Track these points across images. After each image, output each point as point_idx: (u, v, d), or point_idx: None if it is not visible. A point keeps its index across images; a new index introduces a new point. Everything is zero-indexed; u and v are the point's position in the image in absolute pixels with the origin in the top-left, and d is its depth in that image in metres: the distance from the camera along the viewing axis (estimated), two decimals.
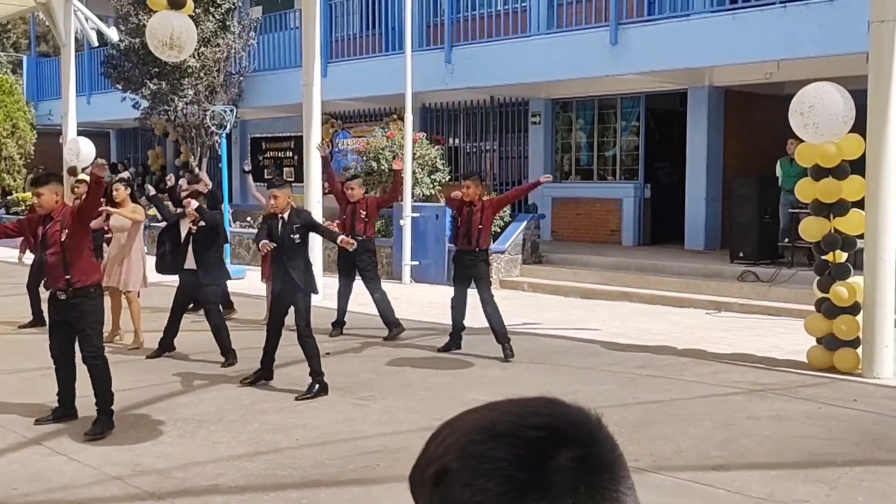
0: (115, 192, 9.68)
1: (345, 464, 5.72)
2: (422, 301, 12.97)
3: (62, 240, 6.40)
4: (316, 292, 7.99)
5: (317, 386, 7.42)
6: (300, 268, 7.63)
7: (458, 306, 9.26)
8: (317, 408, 7.09)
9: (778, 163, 13.62)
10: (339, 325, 10.35)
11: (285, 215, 7.71)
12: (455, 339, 9.30)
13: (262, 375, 7.84)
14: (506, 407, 0.90)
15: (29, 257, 11.38)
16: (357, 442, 6.19)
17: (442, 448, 0.89)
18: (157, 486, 5.36)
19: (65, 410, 6.74)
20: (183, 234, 9.06)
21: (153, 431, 6.46)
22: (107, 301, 9.15)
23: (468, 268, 9.11)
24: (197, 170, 20.47)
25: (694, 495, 5.25)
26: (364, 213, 10.30)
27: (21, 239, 10.69)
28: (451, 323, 9.36)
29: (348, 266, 10.30)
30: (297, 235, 7.64)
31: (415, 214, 14.90)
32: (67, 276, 6.38)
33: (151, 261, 9.66)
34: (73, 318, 6.49)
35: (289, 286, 7.63)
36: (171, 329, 9.05)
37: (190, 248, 8.96)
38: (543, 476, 0.83)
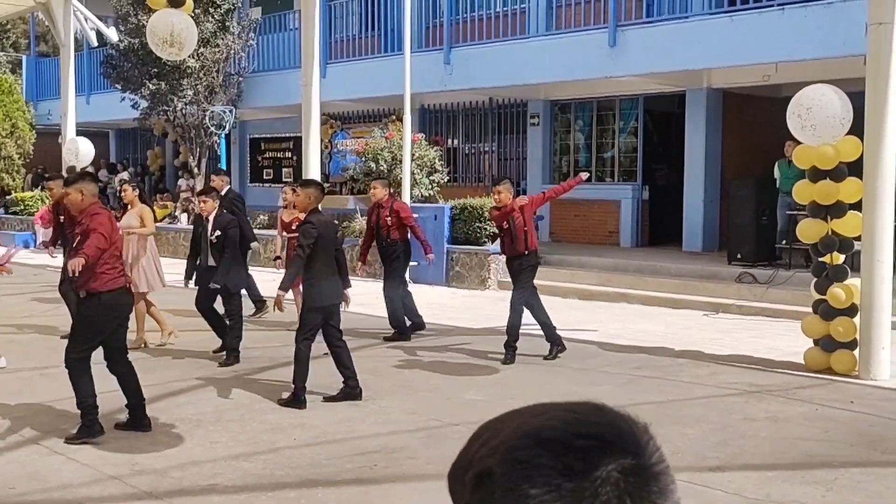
0: (123, 194, 9.72)
1: (342, 464, 5.73)
2: (420, 302, 12.96)
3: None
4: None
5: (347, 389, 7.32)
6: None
7: (538, 313, 9.02)
8: (314, 408, 7.10)
9: (776, 165, 13.65)
10: (414, 328, 10.29)
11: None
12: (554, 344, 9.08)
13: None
14: (553, 412, 0.88)
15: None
16: (355, 442, 6.20)
17: (486, 449, 0.87)
18: (155, 486, 5.37)
19: (134, 421, 6.50)
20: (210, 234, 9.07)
21: (151, 431, 6.46)
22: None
23: (518, 273, 8.97)
24: (196, 170, 20.50)
25: (691, 496, 5.26)
26: (389, 216, 10.21)
27: (50, 229, 10.75)
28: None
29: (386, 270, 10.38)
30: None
31: (413, 215, 14.88)
32: (85, 279, 6.31)
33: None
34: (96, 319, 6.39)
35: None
36: (220, 329, 9.00)
37: (209, 247, 9.00)
38: (590, 486, 0.82)
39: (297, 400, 7.15)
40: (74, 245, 6.42)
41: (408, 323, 10.29)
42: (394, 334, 10.07)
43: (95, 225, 6.27)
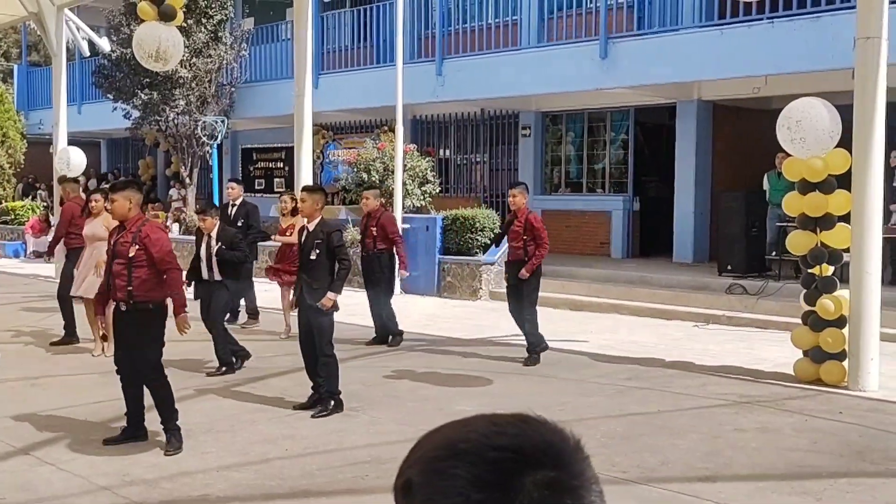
0: (94, 203, 9.63)
1: (334, 474, 5.74)
2: (412, 312, 12.99)
3: (130, 255, 6.32)
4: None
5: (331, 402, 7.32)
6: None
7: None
8: (305, 418, 7.11)
9: (766, 176, 13.73)
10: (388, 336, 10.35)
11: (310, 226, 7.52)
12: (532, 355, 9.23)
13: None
14: (475, 424, 0.90)
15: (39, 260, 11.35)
16: (346, 452, 6.21)
17: (412, 460, 0.91)
18: (146, 497, 5.37)
19: (134, 430, 6.47)
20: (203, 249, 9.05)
21: (142, 441, 6.46)
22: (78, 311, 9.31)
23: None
24: (188, 180, 20.49)
25: None
26: (375, 227, 10.28)
27: (51, 237, 10.78)
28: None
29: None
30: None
31: (405, 226, 14.93)
32: (129, 289, 6.29)
33: None
34: (130, 333, 6.38)
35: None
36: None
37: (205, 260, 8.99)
38: (502, 498, 0.83)
39: (337, 405, 7.23)
40: (121, 254, 6.37)
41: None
42: (392, 339, 10.15)
43: (162, 241, 6.44)
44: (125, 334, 6.42)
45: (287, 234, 10.58)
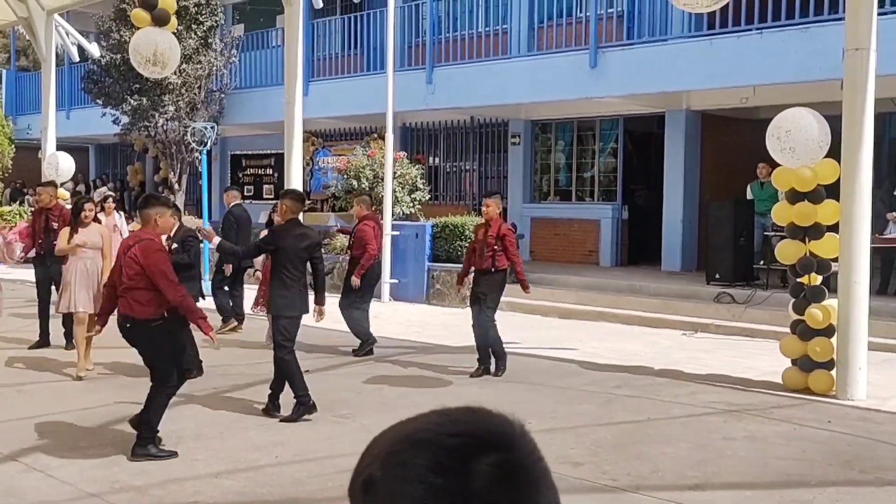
0: (87, 211, 9.30)
1: (324, 481, 5.73)
2: (401, 319, 13.00)
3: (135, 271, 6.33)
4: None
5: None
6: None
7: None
8: (295, 426, 7.09)
9: (749, 186, 13.79)
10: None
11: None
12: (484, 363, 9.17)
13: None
14: (429, 417, 0.97)
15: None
16: (336, 460, 6.19)
17: (369, 458, 0.96)
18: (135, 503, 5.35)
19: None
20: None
21: (131, 448, 6.43)
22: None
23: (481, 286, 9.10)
24: (177, 186, 20.43)
25: None
26: (352, 235, 10.39)
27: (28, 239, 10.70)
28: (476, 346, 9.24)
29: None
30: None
31: (394, 233, 14.95)
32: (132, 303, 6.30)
33: None
34: (139, 350, 6.45)
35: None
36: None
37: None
38: (461, 481, 0.89)
39: (307, 407, 7.26)
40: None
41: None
42: (361, 345, 10.15)
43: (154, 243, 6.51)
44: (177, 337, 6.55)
45: None
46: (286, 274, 7.32)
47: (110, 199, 12.92)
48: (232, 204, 12.00)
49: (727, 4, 8.85)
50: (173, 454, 6.20)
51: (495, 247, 8.92)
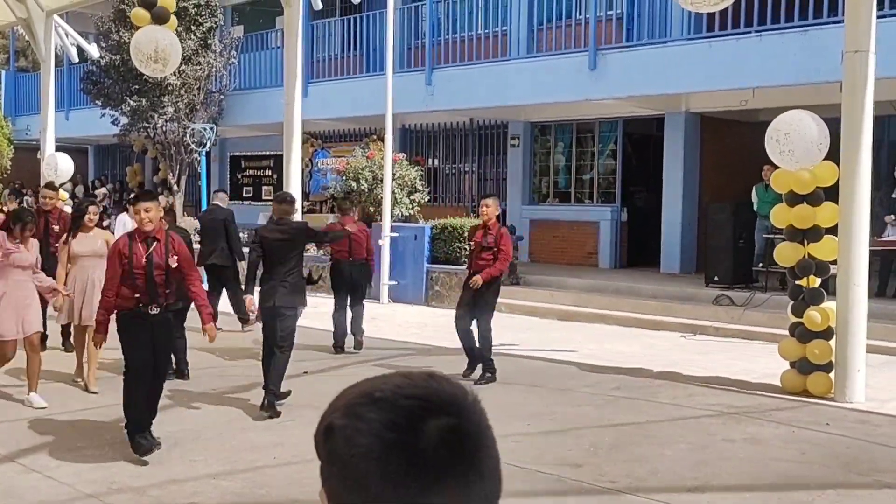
0: (91, 215, 8.57)
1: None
2: (399, 321, 13.00)
3: (173, 266, 6.41)
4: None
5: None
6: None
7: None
8: (294, 426, 7.08)
9: (754, 189, 13.79)
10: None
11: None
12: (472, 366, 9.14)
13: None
14: (392, 378, 1.06)
15: None
16: None
17: (332, 408, 1.05)
18: None
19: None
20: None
21: (129, 449, 6.41)
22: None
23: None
24: (176, 187, 20.43)
25: None
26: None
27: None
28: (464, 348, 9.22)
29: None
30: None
31: (393, 234, 14.95)
32: (167, 291, 6.42)
33: None
34: (158, 334, 6.40)
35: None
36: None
37: None
38: (410, 439, 0.97)
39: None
40: (158, 263, 6.43)
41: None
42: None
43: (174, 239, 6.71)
44: (159, 336, 6.42)
45: None
46: (274, 270, 7.64)
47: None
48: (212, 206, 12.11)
49: (727, 6, 8.86)
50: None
51: (494, 250, 8.91)
